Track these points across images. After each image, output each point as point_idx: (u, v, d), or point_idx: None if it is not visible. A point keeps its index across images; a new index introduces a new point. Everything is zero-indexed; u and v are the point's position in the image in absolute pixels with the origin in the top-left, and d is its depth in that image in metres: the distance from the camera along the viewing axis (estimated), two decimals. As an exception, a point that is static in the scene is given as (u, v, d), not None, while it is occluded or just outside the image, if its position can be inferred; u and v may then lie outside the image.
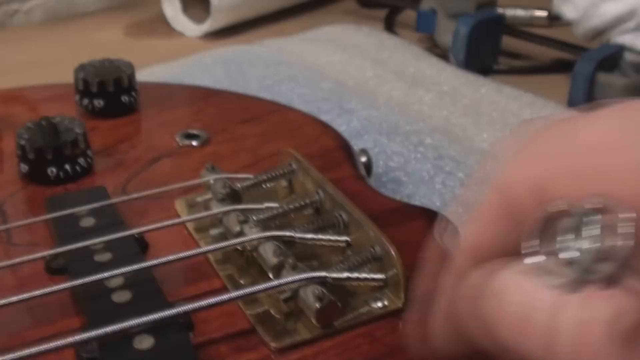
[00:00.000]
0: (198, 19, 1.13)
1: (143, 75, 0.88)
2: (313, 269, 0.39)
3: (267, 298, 0.39)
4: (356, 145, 0.62)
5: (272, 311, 0.38)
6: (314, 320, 0.37)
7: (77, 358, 0.35)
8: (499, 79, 0.92)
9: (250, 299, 0.39)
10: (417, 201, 0.64)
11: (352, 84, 0.87)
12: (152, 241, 0.44)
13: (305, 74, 0.88)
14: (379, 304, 0.39)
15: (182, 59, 0.94)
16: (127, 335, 0.35)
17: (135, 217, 0.47)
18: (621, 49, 0.86)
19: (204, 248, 0.41)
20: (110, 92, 0.59)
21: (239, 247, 0.42)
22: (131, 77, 0.60)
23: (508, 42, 1.03)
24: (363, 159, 0.57)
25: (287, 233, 0.41)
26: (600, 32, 0.89)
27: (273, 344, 0.36)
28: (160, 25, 1.17)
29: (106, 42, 1.13)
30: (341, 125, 0.74)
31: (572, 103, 0.85)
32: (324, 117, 0.72)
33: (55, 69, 0.95)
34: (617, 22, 0.86)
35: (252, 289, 0.37)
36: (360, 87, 0.86)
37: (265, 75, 0.87)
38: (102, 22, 1.21)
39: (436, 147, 0.71)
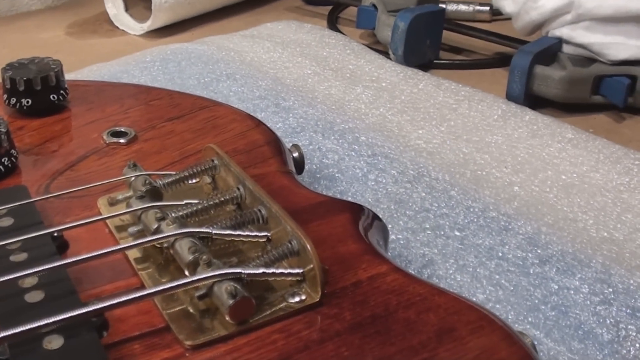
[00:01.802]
0: (140, 17, 1.13)
1: (82, 73, 0.88)
2: (232, 265, 0.39)
3: (185, 295, 0.39)
4: (291, 142, 0.62)
5: (190, 309, 0.38)
6: (227, 317, 0.36)
7: (-11, 360, 0.35)
8: (440, 74, 0.93)
9: (168, 297, 0.39)
10: (349, 197, 0.64)
11: (290, 81, 0.87)
12: (72, 240, 0.43)
13: (244, 72, 0.87)
14: (297, 299, 0.39)
15: (121, 58, 0.94)
16: (37, 336, 0.34)
17: (58, 216, 0.46)
18: (559, 41, 0.87)
19: (117, 246, 0.40)
20: (37, 90, 0.58)
21: (157, 245, 0.41)
22: (59, 75, 0.59)
23: (451, 36, 1.04)
24: (295, 154, 0.57)
25: (204, 229, 0.41)
26: (538, 25, 0.90)
27: (187, 342, 0.36)
28: (103, 23, 1.16)
29: (49, 41, 1.12)
30: (277, 123, 0.74)
31: (510, 96, 0.85)
32: (260, 115, 0.73)
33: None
34: (555, 14, 0.86)
35: (164, 286, 0.37)
36: (298, 85, 0.86)
37: (203, 73, 0.87)
38: (45, 21, 1.20)
39: (370, 144, 0.72)
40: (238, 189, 0.45)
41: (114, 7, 1.14)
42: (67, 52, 1.05)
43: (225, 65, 0.89)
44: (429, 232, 0.60)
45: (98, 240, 0.44)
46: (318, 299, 0.38)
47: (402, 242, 0.59)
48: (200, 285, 0.37)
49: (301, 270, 0.39)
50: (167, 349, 0.36)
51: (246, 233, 0.42)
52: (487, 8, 1.13)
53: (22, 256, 0.41)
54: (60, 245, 0.42)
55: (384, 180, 0.66)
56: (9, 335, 0.34)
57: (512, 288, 0.54)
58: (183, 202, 0.44)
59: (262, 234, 0.42)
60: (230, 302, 0.36)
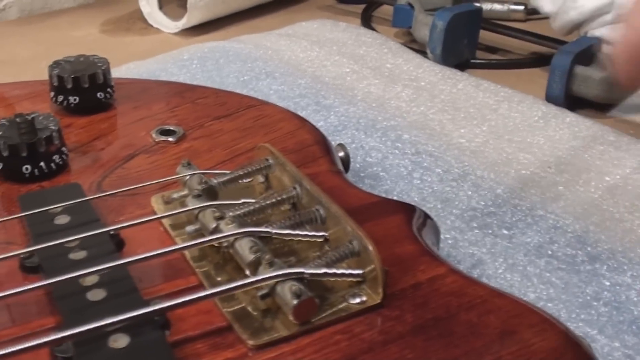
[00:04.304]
0: (175, 15, 1.13)
1: (120, 72, 0.88)
2: (290, 265, 0.39)
3: (244, 295, 0.39)
4: (334, 141, 0.62)
5: (249, 308, 0.38)
6: (291, 317, 0.36)
7: (52, 357, 0.35)
8: (476, 73, 0.92)
9: (229, 296, 0.38)
10: (395, 196, 0.64)
11: (329, 80, 0.87)
12: (128, 239, 0.43)
13: (282, 70, 0.87)
14: (357, 300, 0.38)
15: (158, 56, 0.94)
16: (102, 334, 0.34)
17: (111, 214, 0.46)
18: (598, 41, 0.86)
19: (179, 245, 0.40)
20: (85, 88, 0.58)
21: (215, 244, 0.41)
22: (106, 73, 0.59)
23: (486, 36, 1.03)
24: (340, 153, 0.57)
25: (264, 229, 0.41)
26: (577, 25, 0.89)
27: (250, 342, 0.36)
28: (137, 22, 1.17)
29: (82, 39, 1.12)
30: (319, 122, 0.74)
31: (549, 97, 0.85)
32: (301, 114, 0.72)
33: (31, 66, 0.95)
34: (595, 14, 0.86)
35: (229, 286, 0.37)
36: (337, 83, 0.86)
37: (242, 71, 0.87)
38: (79, 19, 1.20)
39: (414, 142, 0.71)
40: (294, 188, 0.45)
41: (148, 5, 1.14)
42: (101, 50, 1.04)
43: (263, 64, 0.89)
44: (476, 231, 0.60)
45: (154, 238, 0.44)
46: (379, 301, 0.38)
47: (450, 241, 0.58)
48: (263, 285, 0.37)
49: (362, 271, 0.39)
50: (230, 348, 0.36)
51: (305, 233, 0.42)
52: (522, 7, 1.12)
53: (81, 254, 0.41)
54: (117, 244, 0.43)
55: (430, 179, 0.66)
56: (75, 334, 0.34)
57: (563, 286, 0.54)
58: (240, 202, 0.44)
59: (320, 234, 0.42)
60: (295, 302, 0.36)
